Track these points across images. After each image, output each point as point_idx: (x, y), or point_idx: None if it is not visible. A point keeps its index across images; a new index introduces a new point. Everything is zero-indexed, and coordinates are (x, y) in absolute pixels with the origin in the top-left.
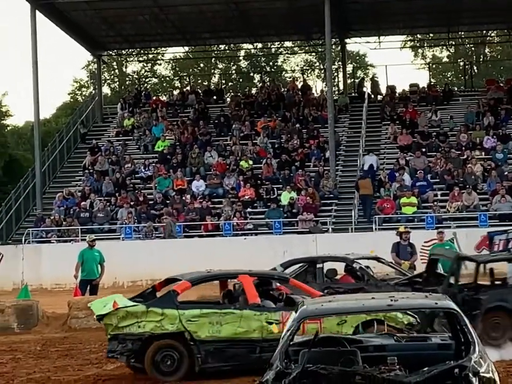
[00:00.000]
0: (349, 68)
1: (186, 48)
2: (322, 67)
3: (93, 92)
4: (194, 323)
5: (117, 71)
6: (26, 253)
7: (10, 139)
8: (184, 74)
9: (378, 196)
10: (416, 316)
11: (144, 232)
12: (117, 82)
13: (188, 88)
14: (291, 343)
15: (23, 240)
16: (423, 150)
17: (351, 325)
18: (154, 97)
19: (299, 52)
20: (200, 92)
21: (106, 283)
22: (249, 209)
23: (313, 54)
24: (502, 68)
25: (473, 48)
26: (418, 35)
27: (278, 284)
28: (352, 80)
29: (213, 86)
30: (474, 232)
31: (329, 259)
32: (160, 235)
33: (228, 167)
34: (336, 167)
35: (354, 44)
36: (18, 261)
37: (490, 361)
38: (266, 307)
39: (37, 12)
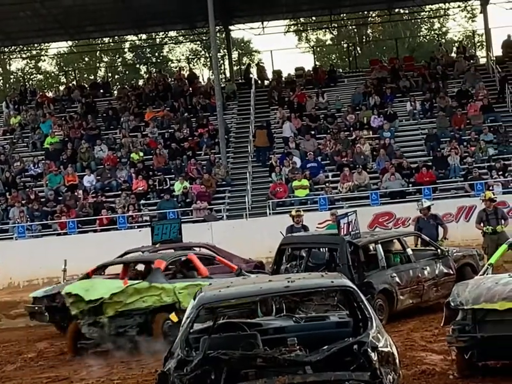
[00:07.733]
0: (235, 55)
1: (70, 43)
2: (208, 55)
3: None
4: (181, 294)
5: (0, 69)
6: None
7: None
8: (70, 69)
9: (270, 180)
10: None
11: None
12: (1, 81)
13: (74, 83)
14: (191, 330)
15: None
16: (312, 132)
17: None
18: (40, 94)
19: (184, 41)
20: (86, 86)
21: (1, 284)
22: (142, 201)
23: (198, 42)
24: (384, 47)
25: (355, 30)
26: (301, 19)
27: None
28: (239, 67)
29: (99, 80)
30: (366, 211)
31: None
32: (53, 232)
33: (118, 160)
34: (227, 154)
35: (238, 31)
36: None
37: (388, 335)
38: None
39: None
